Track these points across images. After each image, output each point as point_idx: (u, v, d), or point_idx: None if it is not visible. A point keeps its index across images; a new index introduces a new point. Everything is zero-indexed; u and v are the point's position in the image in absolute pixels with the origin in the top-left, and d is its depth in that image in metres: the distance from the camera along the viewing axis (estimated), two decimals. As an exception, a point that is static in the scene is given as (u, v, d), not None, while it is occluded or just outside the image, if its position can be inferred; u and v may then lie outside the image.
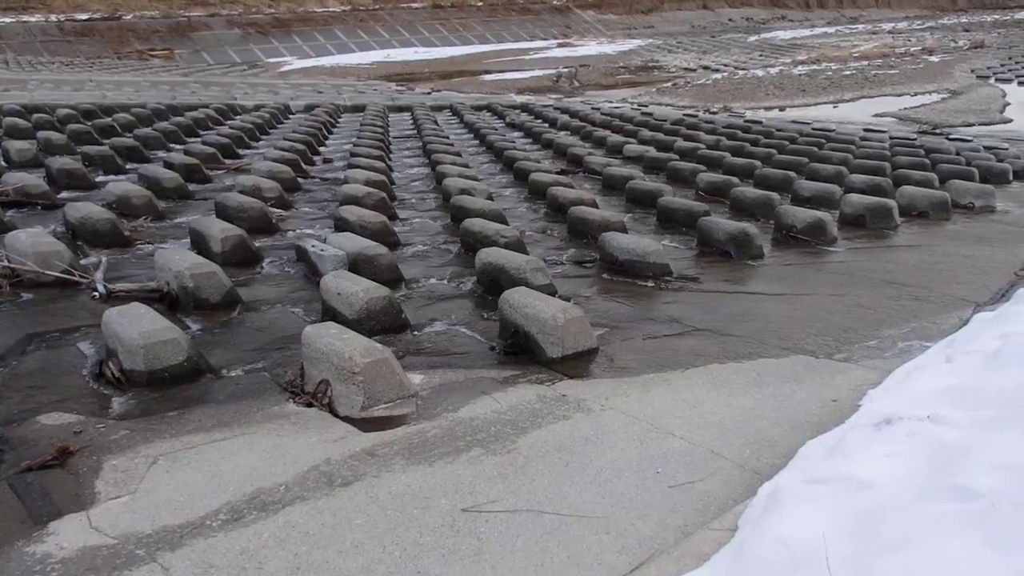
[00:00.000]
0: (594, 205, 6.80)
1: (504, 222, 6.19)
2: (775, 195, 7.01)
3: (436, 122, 14.35)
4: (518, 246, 5.36)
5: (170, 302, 4.32)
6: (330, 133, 13.03)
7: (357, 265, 4.79)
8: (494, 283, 4.61)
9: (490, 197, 7.34)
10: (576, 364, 3.56)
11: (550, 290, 4.49)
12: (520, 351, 3.68)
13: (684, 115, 16.32)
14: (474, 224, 5.66)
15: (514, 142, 11.66)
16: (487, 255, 4.73)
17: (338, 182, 8.39)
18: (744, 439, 2.91)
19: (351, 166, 8.63)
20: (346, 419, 3.09)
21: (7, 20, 37.03)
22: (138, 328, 3.41)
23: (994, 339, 2.93)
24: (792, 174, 8.22)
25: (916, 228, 6.38)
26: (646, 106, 19.44)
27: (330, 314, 4.02)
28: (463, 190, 7.21)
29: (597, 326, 4.01)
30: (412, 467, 2.67)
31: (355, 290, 3.94)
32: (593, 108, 18.24)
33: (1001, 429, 1.98)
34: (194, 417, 3.14)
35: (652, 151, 10.30)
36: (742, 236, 5.53)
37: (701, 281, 4.96)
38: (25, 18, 37.85)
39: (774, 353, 3.74)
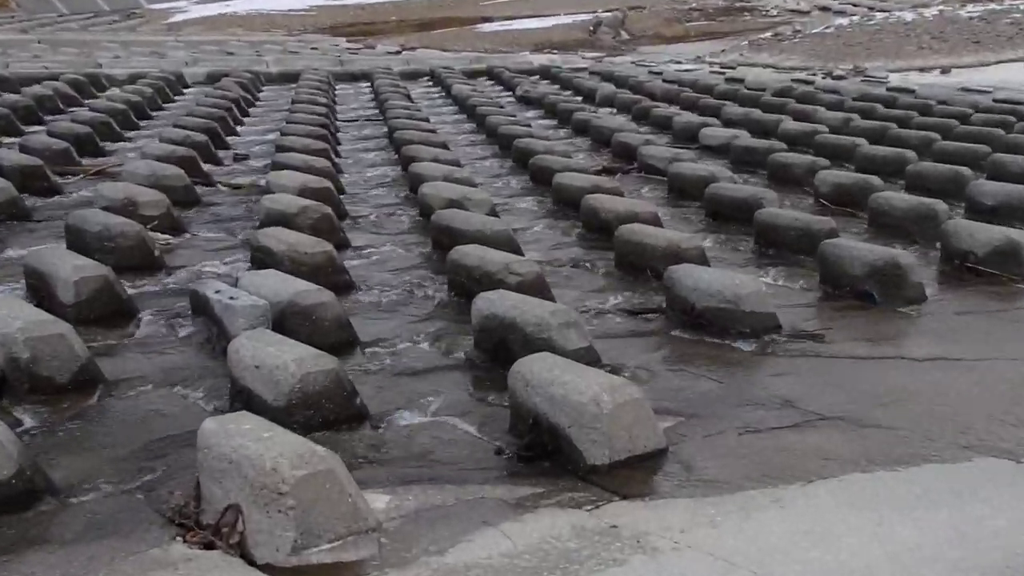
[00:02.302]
0: (656, 223, 6.85)
1: (516, 251, 6.23)
2: (940, 204, 7.04)
3: (409, 97, 14.53)
4: (538, 288, 5.39)
5: (-7, 382, 4.33)
6: (245, 116, 13.21)
7: (287, 320, 4.82)
8: (501, 347, 4.62)
9: (493, 211, 7.40)
10: (632, 475, 3.54)
11: (589, 357, 4.50)
12: (543, 455, 3.66)
13: (793, 82, 16.51)
14: (469, 255, 5.70)
15: (529, 126, 11.77)
16: (490, 304, 4.76)
17: (257, 191, 8.48)
18: (907, 597, 2.86)
19: (278, 166, 8.74)
20: (267, 568, 3.05)
21: None
22: (-60, 425, 3.40)
23: None
24: (966, 171, 8.27)
25: None
26: (733, 68, 19.74)
27: (243, 398, 4.03)
28: (452, 201, 7.27)
29: (664, 414, 4.01)
30: (372, 648, 2.63)
31: (283, 361, 3.96)
32: (651, 73, 18.53)
33: None
34: (25, 568, 3.11)
35: (744, 137, 10.42)
36: (890, 269, 5.54)
37: (827, 340, 4.96)
38: None
39: (949, 454, 3.71)
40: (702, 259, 5.98)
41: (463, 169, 8.98)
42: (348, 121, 12.92)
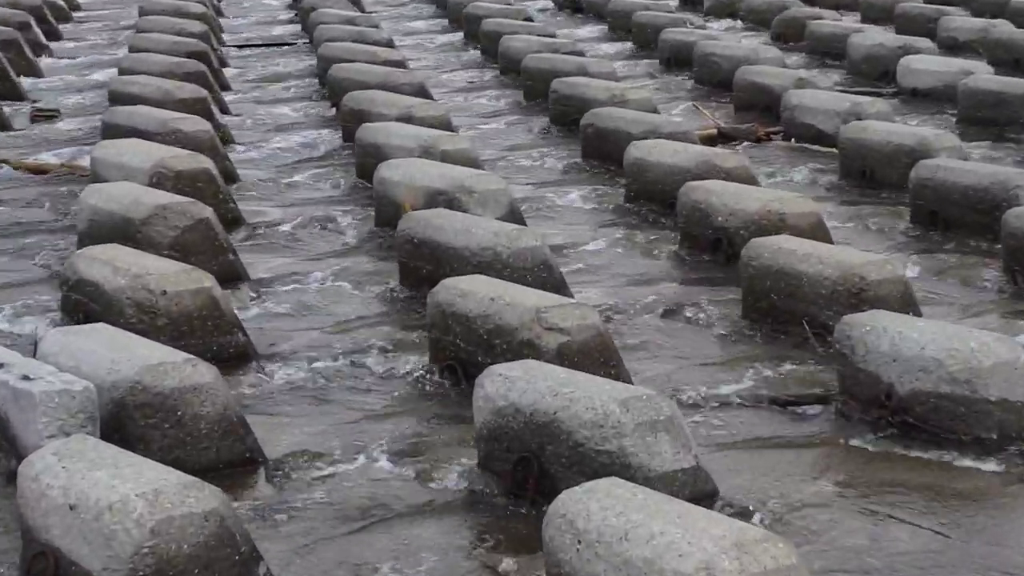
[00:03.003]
0: (820, 234, 6.86)
1: (557, 286, 6.24)
2: None
3: (357, 2, 14.75)
4: (598, 355, 5.39)
5: None
6: (54, 38, 13.37)
7: (129, 419, 4.81)
8: (528, 468, 4.57)
9: (515, 212, 7.48)
10: None
11: (696, 487, 4.46)
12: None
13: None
14: (470, 295, 5.69)
15: (581, 54, 11.86)
16: (508, 386, 4.72)
17: (77, 176, 8.58)
18: None
19: (113, 130, 8.83)
20: None
21: None
22: None
23: None
24: None
25: None
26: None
27: (46, 566, 3.98)
28: (438, 194, 7.35)
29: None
30: None
31: (121, 496, 3.93)
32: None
33: None
34: None
35: (983, 74, 10.47)
36: None
37: None
38: None
39: None
40: (906, 301, 5.93)
41: (459, 134, 8.97)
42: (245, 47, 12.94)
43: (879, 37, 11.98)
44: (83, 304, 6.02)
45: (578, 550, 3.76)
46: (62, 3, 14.64)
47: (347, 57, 10.89)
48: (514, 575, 4.24)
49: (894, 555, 4.29)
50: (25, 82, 11.20)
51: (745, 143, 9.37)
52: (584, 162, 9.01)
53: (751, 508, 4.54)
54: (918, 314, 5.82)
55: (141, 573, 3.89)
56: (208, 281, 5.99)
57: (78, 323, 5.75)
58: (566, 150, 9.30)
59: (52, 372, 4.90)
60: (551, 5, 15.20)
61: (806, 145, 9.36)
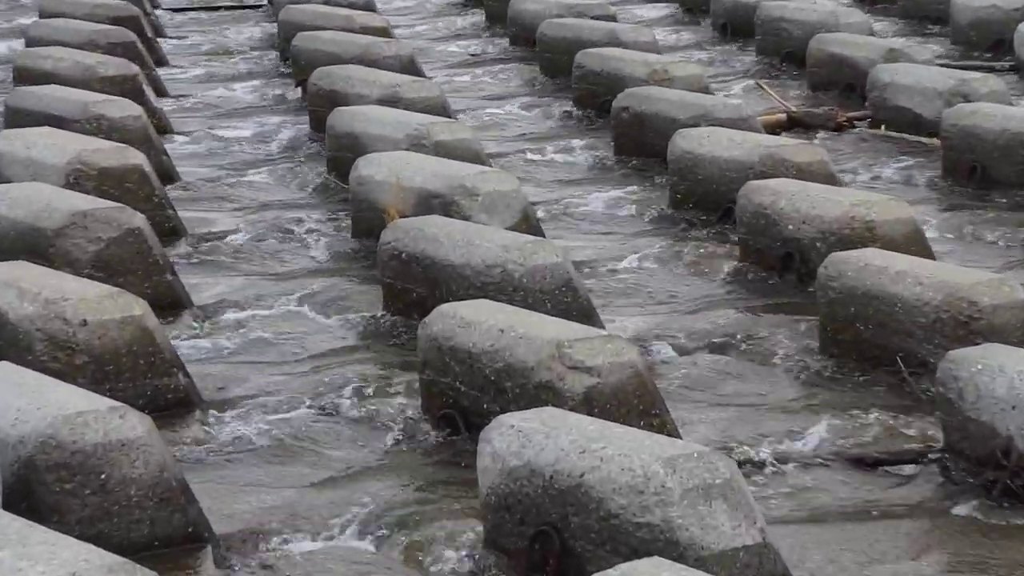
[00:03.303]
0: (920, 246, 6.90)
1: (584, 314, 6.28)
2: None
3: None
4: (635, 401, 5.41)
5: None
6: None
7: (39, 483, 4.80)
8: (547, 542, 4.58)
9: (529, 219, 7.55)
10: None
11: (763, 569, 4.46)
12: None
13: None
14: (473, 325, 5.70)
15: (613, 18, 11.89)
16: (522, 441, 4.71)
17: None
18: None
19: (19, 117, 8.89)
20: None
21: None
22: None
23: None
24: None
25: None
26: None
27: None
28: (431, 197, 7.40)
29: None
30: None
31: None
32: None
33: None
34: None
35: None
36: None
37: None
38: None
39: None
40: (1027, 332, 5.96)
41: (458, 121, 9.03)
42: (186, 10, 12.96)
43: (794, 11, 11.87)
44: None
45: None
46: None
47: (316, 23, 10.86)
48: None
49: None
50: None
51: (822, 131, 9.34)
52: (617, 156, 9.00)
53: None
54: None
55: None
56: (139, 308, 5.98)
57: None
58: (595, 141, 9.30)
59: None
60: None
61: (900, 134, 9.32)
